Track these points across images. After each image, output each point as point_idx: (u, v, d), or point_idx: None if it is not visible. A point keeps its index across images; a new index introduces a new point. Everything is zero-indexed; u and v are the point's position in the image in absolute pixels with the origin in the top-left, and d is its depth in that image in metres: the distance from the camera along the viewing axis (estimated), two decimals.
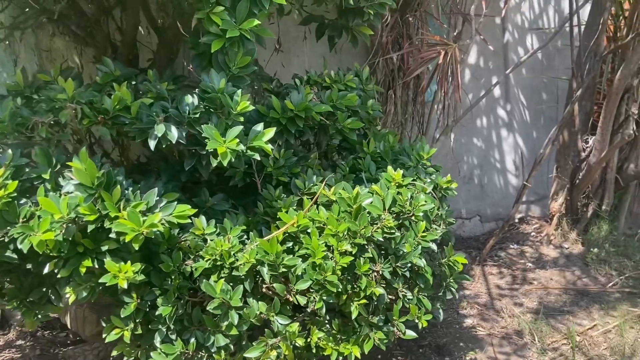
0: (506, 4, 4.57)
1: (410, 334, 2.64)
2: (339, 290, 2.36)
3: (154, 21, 3.41)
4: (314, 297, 2.38)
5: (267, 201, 2.75)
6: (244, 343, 2.47)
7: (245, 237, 2.59)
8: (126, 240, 2.09)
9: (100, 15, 3.34)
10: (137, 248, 2.10)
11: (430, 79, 4.11)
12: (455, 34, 4.32)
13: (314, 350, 2.48)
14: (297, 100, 2.78)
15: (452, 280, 2.95)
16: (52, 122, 2.42)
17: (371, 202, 2.56)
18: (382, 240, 2.53)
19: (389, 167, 2.87)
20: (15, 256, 2.32)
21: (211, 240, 2.48)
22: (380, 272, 2.50)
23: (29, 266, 2.42)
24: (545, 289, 4.42)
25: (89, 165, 2.19)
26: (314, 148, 3.32)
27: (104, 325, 2.52)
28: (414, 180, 2.88)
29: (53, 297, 2.51)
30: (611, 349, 3.62)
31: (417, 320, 2.65)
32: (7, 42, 3.65)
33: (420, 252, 2.62)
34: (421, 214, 2.69)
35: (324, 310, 2.37)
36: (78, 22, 3.30)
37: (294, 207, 2.62)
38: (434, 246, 2.71)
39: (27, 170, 2.37)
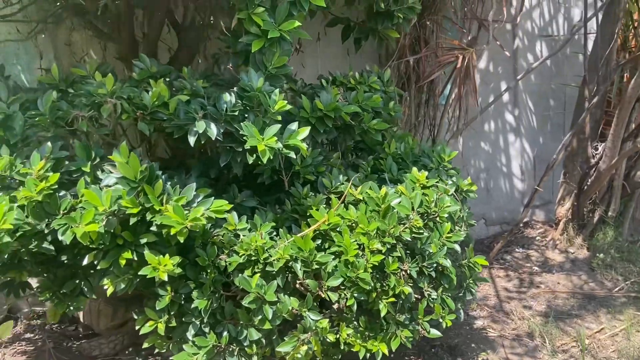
0: (520, 10, 4.65)
1: (435, 332, 2.70)
2: (370, 288, 2.41)
3: (175, 21, 3.44)
4: (345, 294, 2.43)
5: (296, 199, 2.80)
6: (274, 337, 2.52)
7: (274, 233, 2.64)
8: (171, 233, 2.13)
9: (125, 12, 3.38)
10: (182, 241, 2.14)
11: (447, 82, 4.17)
12: (469, 38, 4.38)
13: (341, 347, 2.53)
14: (327, 100, 2.83)
15: (471, 282, 3.02)
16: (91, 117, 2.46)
17: (399, 202, 2.62)
18: (409, 240, 2.59)
19: (414, 169, 2.93)
20: (52, 248, 2.35)
21: (244, 235, 2.52)
22: (408, 272, 2.56)
23: (63, 258, 2.45)
24: (552, 292, 4.50)
25: (133, 160, 2.24)
26: (328, 148, 3.37)
27: (135, 317, 2.56)
28: (437, 182, 2.94)
29: (86, 289, 2.55)
30: (619, 351, 3.69)
31: (441, 320, 2.71)
32: (24, 36, 3.67)
33: (446, 253, 2.67)
34: (446, 215, 2.75)
35: (355, 307, 2.42)
36: (103, 18, 3.33)
37: (324, 205, 2.67)
38: (457, 247, 2.77)
39: (66, 163, 2.40)
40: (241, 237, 2.53)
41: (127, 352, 3.64)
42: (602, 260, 4.83)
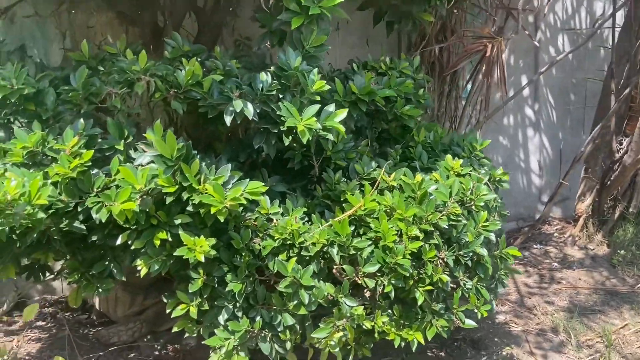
0: (548, 2, 4.58)
1: (470, 323, 2.64)
2: (409, 275, 2.35)
3: (197, 6, 3.38)
4: (382, 281, 2.37)
5: (328, 184, 2.74)
6: (307, 324, 2.46)
7: (306, 219, 2.58)
8: (212, 212, 2.07)
9: None
10: (222, 220, 2.09)
11: (473, 71, 4.09)
12: (493, 28, 4.31)
13: (375, 335, 2.47)
14: (361, 83, 2.77)
15: (503, 273, 2.95)
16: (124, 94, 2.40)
17: (436, 189, 2.56)
18: (446, 227, 2.53)
19: (448, 156, 2.87)
20: (83, 227, 2.29)
21: (277, 220, 2.46)
22: (445, 260, 2.50)
23: (94, 238, 2.40)
24: (574, 288, 4.44)
25: (169, 137, 2.17)
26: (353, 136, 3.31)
27: (165, 300, 2.50)
28: (471, 170, 2.87)
29: (115, 271, 2.49)
30: None
31: (475, 310, 2.65)
32: (45, 18, 3.61)
33: (482, 242, 2.61)
34: (482, 203, 2.69)
35: (392, 293, 2.36)
36: (126, 1, 3.27)
37: (358, 191, 2.61)
38: (493, 237, 2.71)
39: (99, 140, 2.34)
40: (275, 221, 2.46)
41: (145, 339, 3.59)
42: (623, 257, 4.77)
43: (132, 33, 3.70)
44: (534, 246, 5.25)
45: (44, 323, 3.90)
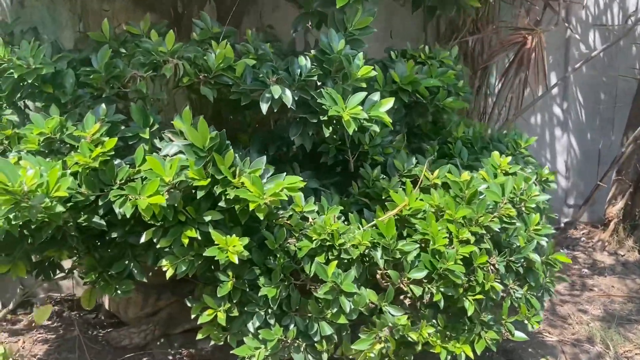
0: None
1: (520, 335, 2.43)
2: (460, 282, 2.13)
3: None
4: (429, 288, 2.16)
5: (365, 181, 2.52)
6: (343, 334, 2.24)
7: (342, 218, 2.37)
8: (249, 209, 1.85)
9: None
10: (261, 217, 1.87)
11: (511, 63, 3.86)
12: (527, 21, 4.08)
13: (418, 347, 2.26)
14: (402, 72, 2.55)
15: (549, 281, 2.73)
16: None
17: (487, 188, 2.34)
18: (497, 230, 2.32)
19: (495, 153, 2.65)
20: (103, 223, 2.08)
21: (313, 218, 2.25)
22: (496, 266, 2.28)
23: (113, 235, 2.18)
24: (608, 296, 4.22)
25: (202, 125, 1.96)
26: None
27: (189, 304, 2.29)
28: (520, 168, 2.66)
29: (135, 271, 2.27)
30: None
31: (526, 321, 2.43)
32: (52, 2, 3.40)
33: (535, 247, 2.40)
34: (533, 205, 2.47)
35: (442, 302, 2.14)
36: None
37: (401, 189, 2.39)
38: (544, 242, 2.49)
39: (122, 128, 2.13)
40: (310, 220, 2.25)
41: (158, 343, 3.38)
42: None
43: (150, 20, 3.50)
44: (561, 250, 5.03)
45: (49, 322, 3.69)
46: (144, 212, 1.85)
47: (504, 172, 2.59)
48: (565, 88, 5.26)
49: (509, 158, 2.61)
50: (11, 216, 1.71)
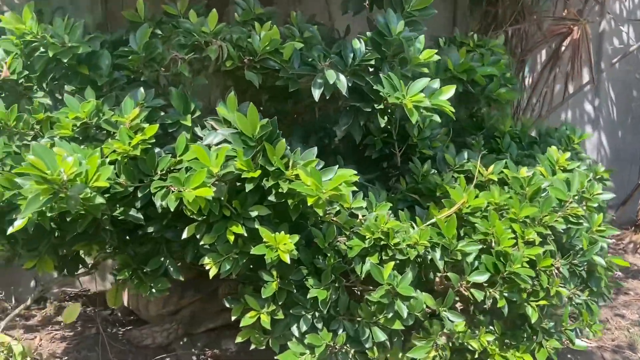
0: None
1: (581, 344, 2.26)
2: (526, 287, 1.96)
3: None
4: (490, 293, 1.99)
5: (414, 176, 2.36)
6: (394, 340, 2.07)
7: (392, 215, 2.20)
8: (309, 204, 1.68)
9: None
10: (321, 214, 1.70)
11: (552, 57, 3.69)
12: (571, 10, 3.90)
13: (474, 356, 2.10)
14: (456, 59, 2.38)
15: (604, 285, 2.56)
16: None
17: (551, 185, 2.17)
18: (561, 231, 2.15)
19: (553, 148, 2.48)
20: (141, 216, 1.92)
21: (363, 216, 2.08)
22: (560, 269, 2.11)
23: (150, 230, 2.02)
24: None
25: (252, 112, 1.79)
26: None
27: (228, 305, 2.12)
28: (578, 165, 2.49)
29: (171, 269, 2.11)
30: None
31: (587, 329, 2.26)
32: None
33: (599, 250, 2.23)
34: (595, 204, 2.30)
35: (506, 309, 1.97)
36: None
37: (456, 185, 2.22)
38: (607, 244, 2.32)
39: (161, 114, 1.96)
40: (360, 216, 2.08)
41: (181, 342, 3.21)
42: None
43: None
44: None
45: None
46: (190, 205, 1.68)
47: (561, 168, 2.42)
48: (597, 84, 5.08)
49: (567, 154, 2.44)
50: (45, 208, 1.54)
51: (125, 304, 3.45)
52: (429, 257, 2.02)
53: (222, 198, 1.82)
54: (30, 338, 3.24)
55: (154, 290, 2.10)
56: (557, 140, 2.77)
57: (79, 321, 3.48)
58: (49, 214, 1.58)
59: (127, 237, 2.12)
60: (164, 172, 1.84)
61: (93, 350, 3.08)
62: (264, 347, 2.11)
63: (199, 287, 3.13)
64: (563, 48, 3.78)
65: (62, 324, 3.40)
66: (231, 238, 1.83)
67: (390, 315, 1.94)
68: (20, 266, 2.17)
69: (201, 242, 1.85)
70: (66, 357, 3.01)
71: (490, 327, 2.15)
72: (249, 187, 1.78)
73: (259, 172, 1.77)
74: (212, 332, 3.20)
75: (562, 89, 4.56)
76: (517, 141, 2.81)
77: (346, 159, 2.52)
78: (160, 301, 3.26)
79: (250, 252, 1.84)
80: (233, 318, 2.08)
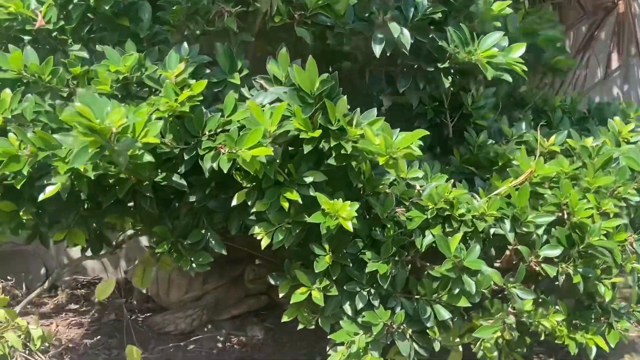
0: None
1: None
2: (606, 261, 1.81)
3: None
4: (565, 268, 1.83)
5: (470, 147, 2.20)
6: (455, 319, 1.91)
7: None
8: (381, 163, 1.52)
9: None
10: (394, 174, 1.56)
11: (590, 35, 3.53)
12: None
13: (541, 338, 1.94)
14: (516, 22, 2.22)
15: None
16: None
17: (624, 154, 2.02)
18: (633, 203, 1.99)
19: (616, 119, 2.33)
20: (184, 182, 1.75)
21: (421, 186, 1.92)
22: (633, 244, 1.96)
23: (192, 198, 1.86)
24: None
25: (311, 66, 1.62)
26: None
27: (272, 281, 1.96)
28: None
29: (213, 242, 1.94)
30: None
31: None
32: None
33: None
34: None
35: (582, 286, 1.81)
36: None
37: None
38: None
39: (207, 71, 1.80)
40: (417, 187, 1.92)
41: (205, 329, 3.06)
42: None
43: None
44: None
45: (77, 306, 3.40)
46: (246, 166, 1.51)
47: (625, 140, 2.27)
48: (626, 69, 4.92)
49: (632, 124, 2.28)
50: (91, 164, 1.38)
51: (143, 290, 3.30)
52: (492, 230, 1.87)
53: (277, 161, 1.65)
54: (46, 324, 3.10)
55: (194, 264, 1.93)
56: (612, 115, 2.61)
57: (93, 308, 3.35)
58: (91, 173, 1.41)
59: (165, 208, 1.95)
60: (213, 132, 1.67)
61: (113, 337, 2.95)
62: (312, 326, 1.95)
63: (222, 272, 2.99)
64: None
65: (75, 311, 3.28)
66: (285, 205, 1.67)
67: (456, 291, 1.78)
68: (50, 238, 2.01)
69: (252, 209, 1.69)
70: (87, 342, 2.86)
71: (556, 307, 1.99)
72: (307, 148, 1.62)
73: (319, 132, 1.60)
74: (236, 319, 3.07)
75: (592, 71, 4.41)
76: (569, 116, 2.66)
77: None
78: (182, 286, 3.11)
79: (307, 221, 1.68)
80: (281, 295, 1.91)
